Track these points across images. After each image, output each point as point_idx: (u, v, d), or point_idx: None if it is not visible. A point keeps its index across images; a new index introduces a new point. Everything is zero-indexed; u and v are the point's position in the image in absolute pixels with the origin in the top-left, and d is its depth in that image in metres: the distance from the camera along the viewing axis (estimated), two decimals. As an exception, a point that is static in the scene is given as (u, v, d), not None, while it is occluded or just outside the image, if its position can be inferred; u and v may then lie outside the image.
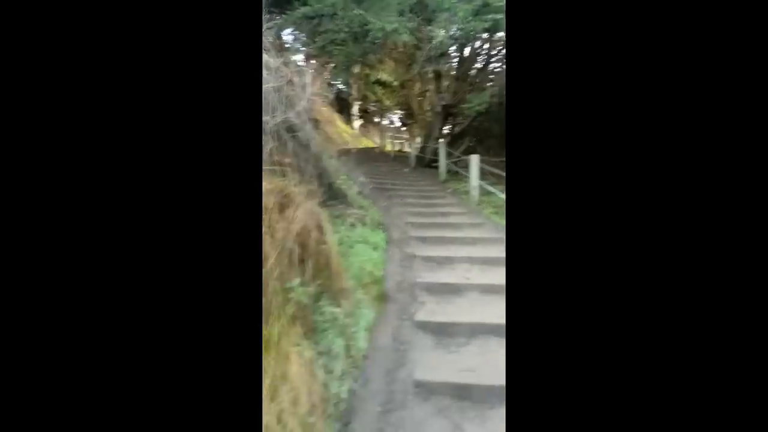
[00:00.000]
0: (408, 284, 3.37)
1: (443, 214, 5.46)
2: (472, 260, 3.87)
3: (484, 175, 6.69)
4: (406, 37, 5.17)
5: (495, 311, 2.86)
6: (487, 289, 3.26)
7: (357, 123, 15.92)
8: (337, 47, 6.86)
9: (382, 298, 3.06)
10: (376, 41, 5.89)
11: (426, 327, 2.77)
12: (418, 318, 2.84)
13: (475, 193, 5.98)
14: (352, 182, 6.01)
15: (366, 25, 5.30)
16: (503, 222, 5.10)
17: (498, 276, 3.53)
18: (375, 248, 3.91)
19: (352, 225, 4.17)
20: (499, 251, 4.11)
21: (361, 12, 5.17)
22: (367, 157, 10.97)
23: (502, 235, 4.58)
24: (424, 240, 4.44)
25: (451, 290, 3.30)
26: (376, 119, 17.32)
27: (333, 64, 8.29)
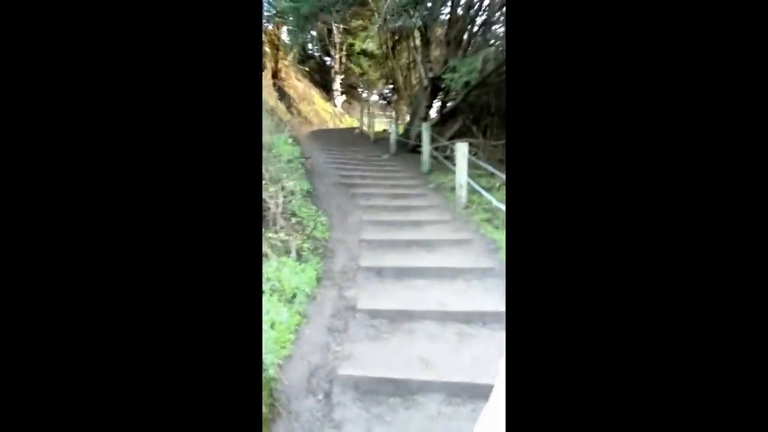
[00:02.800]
0: (324, 379, 1.97)
1: (417, 225, 4.03)
2: (445, 316, 2.46)
3: (476, 167, 5.23)
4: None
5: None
6: (460, 391, 1.87)
7: (339, 100, 14.21)
8: (291, 3, 5.25)
9: (263, 419, 1.67)
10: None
11: None
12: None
13: (462, 193, 4.52)
14: (302, 179, 4.57)
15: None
16: (499, 237, 3.66)
17: (486, 352, 2.12)
18: (290, 298, 2.50)
19: (263, 256, 2.74)
20: (493, 295, 2.70)
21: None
22: (344, 139, 9.44)
23: (497, 263, 3.16)
24: (379, 273, 3.03)
25: (397, 391, 1.90)
26: (364, 95, 15.63)
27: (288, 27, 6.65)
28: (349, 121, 13.60)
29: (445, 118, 8.07)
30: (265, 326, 2.19)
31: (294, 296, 2.53)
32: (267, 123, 6.07)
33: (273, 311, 2.31)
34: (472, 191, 4.70)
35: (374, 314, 2.48)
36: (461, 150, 4.50)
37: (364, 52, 13.30)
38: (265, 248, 2.76)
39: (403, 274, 3.00)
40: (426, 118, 7.89)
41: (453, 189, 4.97)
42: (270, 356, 2.00)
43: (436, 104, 8.81)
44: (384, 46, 10.22)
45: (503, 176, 4.83)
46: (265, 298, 2.41)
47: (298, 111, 10.90)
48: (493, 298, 2.63)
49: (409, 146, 7.74)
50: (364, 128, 10.76)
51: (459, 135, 7.63)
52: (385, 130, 10.68)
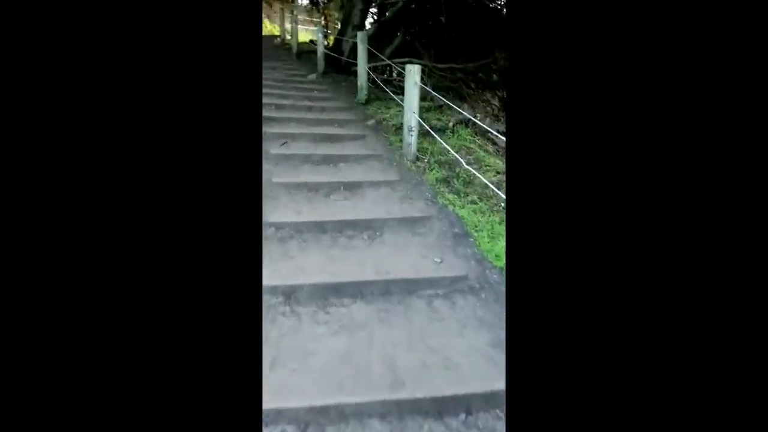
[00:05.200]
0: None
1: (354, 189, 2.82)
2: (401, 406, 1.42)
3: (423, 98, 3.98)
4: None
5: None
6: None
7: None
8: None
9: None
10: None
11: None
12: None
13: (411, 139, 3.30)
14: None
15: None
16: (465, 213, 2.61)
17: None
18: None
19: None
20: (475, 340, 1.70)
21: None
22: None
23: (470, 265, 2.13)
24: (290, 298, 1.87)
25: None
26: (286, -5, 12.77)
27: None
28: (269, 28, 11.12)
29: (382, 30, 6.42)
30: None
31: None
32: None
33: None
34: (422, 133, 3.52)
35: (275, 417, 1.37)
36: (412, 76, 3.18)
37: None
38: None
39: (330, 294, 1.87)
40: (361, 26, 6.21)
41: (398, 129, 3.75)
42: None
43: (373, 12, 7.03)
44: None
45: (462, 113, 3.66)
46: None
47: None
48: (476, 348, 1.63)
49: (341, 64, 6.13)
50: (287, 37, 8.65)
51: (399, 54, 6.14)
52: (311, 41, 8.68)
